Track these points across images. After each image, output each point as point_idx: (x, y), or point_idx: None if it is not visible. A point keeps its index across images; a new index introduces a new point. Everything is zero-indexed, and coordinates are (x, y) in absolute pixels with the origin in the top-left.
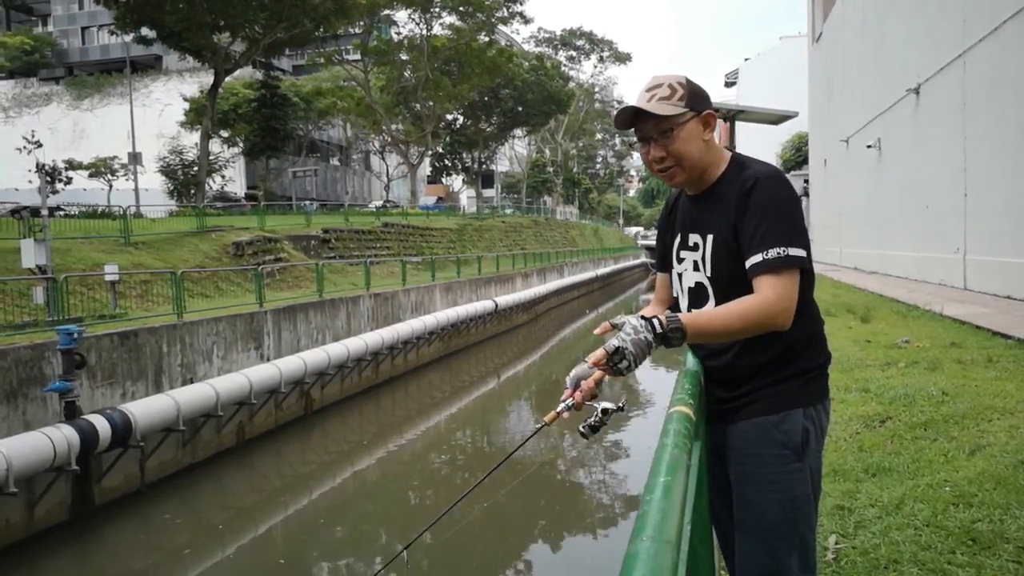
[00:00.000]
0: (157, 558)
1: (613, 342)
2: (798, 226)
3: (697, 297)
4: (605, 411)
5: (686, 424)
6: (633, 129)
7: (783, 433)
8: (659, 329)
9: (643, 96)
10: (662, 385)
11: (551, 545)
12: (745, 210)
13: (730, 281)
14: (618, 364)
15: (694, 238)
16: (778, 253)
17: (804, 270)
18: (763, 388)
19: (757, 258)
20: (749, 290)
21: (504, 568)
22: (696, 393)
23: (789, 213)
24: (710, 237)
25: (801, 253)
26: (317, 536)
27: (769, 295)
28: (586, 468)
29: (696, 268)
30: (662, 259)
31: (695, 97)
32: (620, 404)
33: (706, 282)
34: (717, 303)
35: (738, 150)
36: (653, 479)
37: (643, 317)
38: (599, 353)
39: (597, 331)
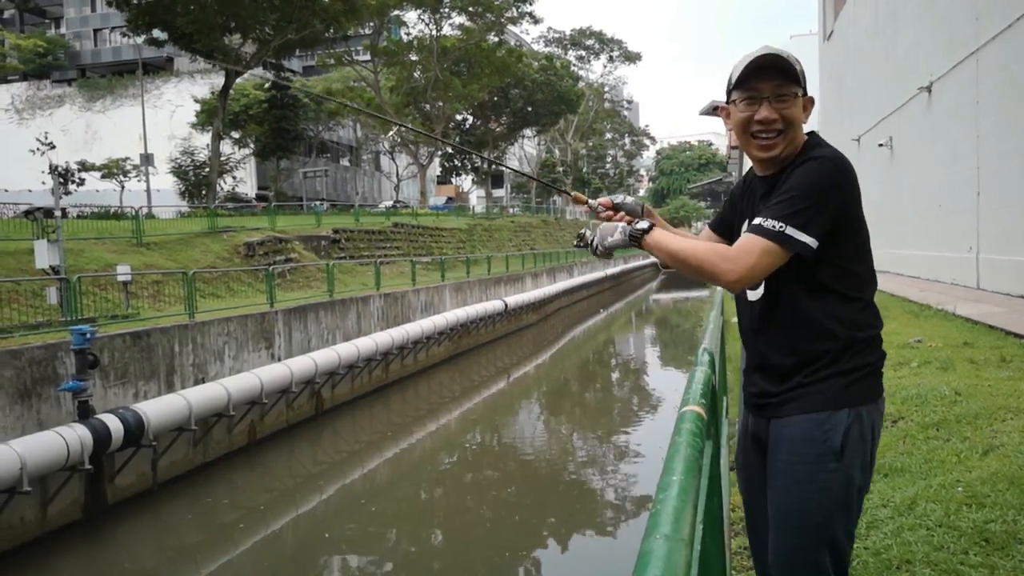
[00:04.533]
0: (169, 556)
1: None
2: (815, 210)
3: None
4: (592, 247)
5: (698, 423)
6: (744, 84)
7: (824, 433)
8: (636, 227)
9: (773, 51)
10: (674, 384)
11: (564, 543)
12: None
13: (785, 268)
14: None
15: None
16: (774, 225)
17: (836, 259)
18: (809, 384)
19: (756, 220)
20: (798, 278)
21: (516, 565)
22: (708, 393)
23: (812, 195)
24: None
25: (800, 237)
26: (328, 535)
27: (733, 252)
28: (599, 467)
29: None
30: (720, 220)
31: (804, 78)
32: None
33: None
34: (768, 287)
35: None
36: (666, 478)
37: (628, 222)
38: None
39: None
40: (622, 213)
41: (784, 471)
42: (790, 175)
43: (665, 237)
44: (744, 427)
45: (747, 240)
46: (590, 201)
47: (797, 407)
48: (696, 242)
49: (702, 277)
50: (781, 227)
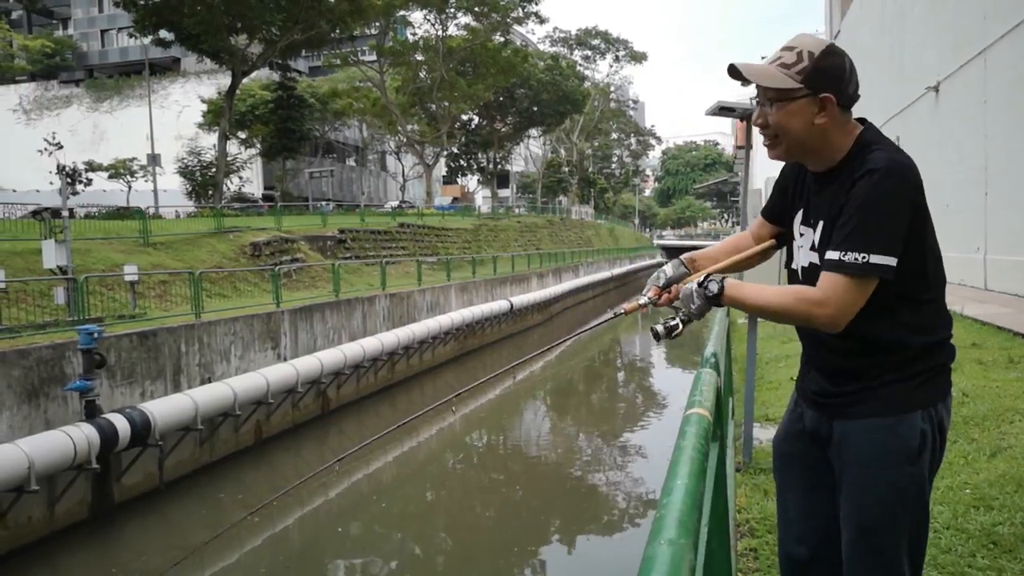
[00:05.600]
0: (176, 556)
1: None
2: (890, 227)
3: (810, 277)
4: (686, 320)
5: (703, 426)
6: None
7: (898, 436)
8: (708, 290)
9: (775, 55)
10: (679, 386)
11: (568, 546)
12: (847, 202)
13: None
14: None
15: (812, 218)
16: (856, 258)
17: (911, 273)
18: (879, 387)
19: (834, 256)
20: None
21: (520, 568)
22: (713, 395)
23: (883, 214)
24: (821, 223)
25: (884, 261)
26: (333, 534)
27: (820, 295)
28: (603, 470)
29: (812, 248)
30: (771, 209)
31: (818, 74)
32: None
33: (820, 264)
34: None
35: (754, 149)
36: (670, 481)
37: (699, 284)
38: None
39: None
40: (675, 286)
41: (857, 474)
42: (851, 189)
43: (742, 293)
44: (795, 418)
45: (831, 279)
46: (641, 301)
47: (867, 409)
48: (774, 291)
49: (796, 324)
50: (864, 258)
